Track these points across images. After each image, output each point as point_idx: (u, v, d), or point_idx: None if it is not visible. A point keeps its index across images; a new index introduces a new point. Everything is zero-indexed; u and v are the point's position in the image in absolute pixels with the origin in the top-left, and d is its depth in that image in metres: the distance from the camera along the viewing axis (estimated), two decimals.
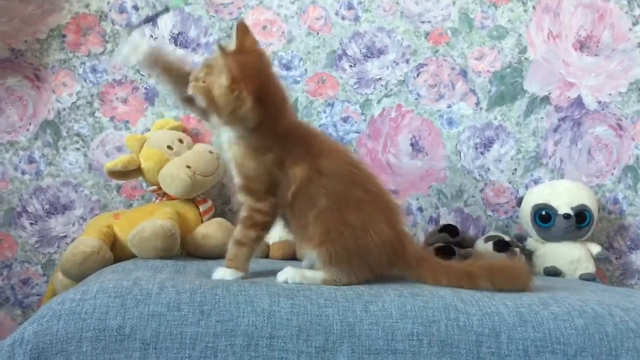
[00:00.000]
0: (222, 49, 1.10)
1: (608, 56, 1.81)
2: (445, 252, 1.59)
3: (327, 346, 0.97)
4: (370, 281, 1.15)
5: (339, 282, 1.13)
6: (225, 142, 1.18)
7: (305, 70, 1.76)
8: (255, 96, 1.11)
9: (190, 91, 1.16)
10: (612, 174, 1.81)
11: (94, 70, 1.72)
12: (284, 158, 1.15)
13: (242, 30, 1.17)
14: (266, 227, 1.18)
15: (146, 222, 1.37)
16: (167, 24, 1.73)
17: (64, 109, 1.71)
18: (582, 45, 1.81)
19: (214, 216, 1.60)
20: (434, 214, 1.79)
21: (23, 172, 1.70)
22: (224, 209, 1.74)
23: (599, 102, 1.81)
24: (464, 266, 1.22)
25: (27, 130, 1.71)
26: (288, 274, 1.13)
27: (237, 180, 1.18)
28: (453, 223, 1.74)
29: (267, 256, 1.57)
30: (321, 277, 1.13)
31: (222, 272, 1.14)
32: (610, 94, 1.81)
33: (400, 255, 1.18)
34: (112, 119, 1.72)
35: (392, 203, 1.23)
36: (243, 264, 1.16)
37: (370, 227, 1.15)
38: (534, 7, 1.79)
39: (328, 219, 1.13)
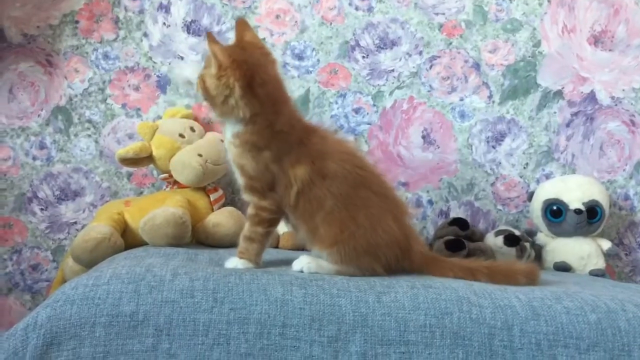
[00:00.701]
0: (210, 37, 1.10)
1: (622, 51, 1.80)
2: (454, 245, 1.59)
3: (340, 336, 0.97)
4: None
5: (353, 275, 1.13)
6: (226, 143, 1.19)
7: (318, 60, 1.75)
8: (244, 83, 1.10)
9: (195, 89, 1.17)
10: (624, 170, 1.80)
11: (106, 56, 1.71)
12: (282, 156, 1.14)
13: (241, 25, 1.19)
14: (273, 223, 1.19)
15: (157, 210, 1.37)
16: (180, 11, 1.72)
17: (76, 95, 1.71)
18: (596, 40, 1.79)
19: (224, 205, 1.60)
20: (444, 207, 1.79)
21: (34, 158, 1.70)
22: (234, 198, 1.74)
23: (612, 98, 1.80)
24: (468, 263, 1.22)
25: (39, 116, 1.71)
26: (303, 262, 1.13)
27: (239, 180, 1.19)
28: (463, 216, 1.74)
29: (277, 246, 1.57)
30: (336, 268, 1.13)
31: (235, 262, 1.15)
32: (623, 90, 1.80)
33: (407, 253, 1.19)
34: (123, 106, 1.72)
35: (398, 201, 1.23)
36: (255, 258, 1.17)
37: (378, 226, 1.15)
38: (549, 1, 1.78)
39: (337, 220, 1.13)
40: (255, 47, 1.17)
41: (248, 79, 1.11)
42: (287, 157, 1.14)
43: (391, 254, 1.17)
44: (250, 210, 1.18)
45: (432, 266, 1.21)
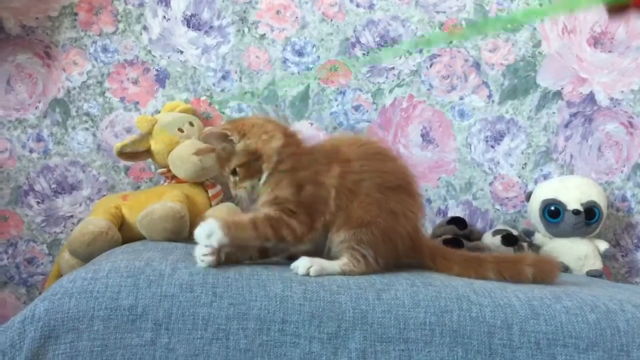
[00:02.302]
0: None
1: (622, 53, 1.80)
2: (452, 244, 1.58)
3: (339, 333, 0.97)
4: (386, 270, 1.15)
5: (357, 271, 1.11)
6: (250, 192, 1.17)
7: (318, 57, 1.74)
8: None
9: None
10: (622, 171, 1.81)
11: (105, 49, 1.70)
12: (316, 171, 1.13)
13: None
14: (284, 240, 1.10)
15: (156, 204, 1.36)
16: (180, 5, 1.71)
17: (74, 88, 1.70)
18: (596, 41, 1.79)
19: (222, 201, 1.59)
20: (443, 205, 1.79)
21: (31, 151, 1.69)
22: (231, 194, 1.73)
23: (611, 99, 1.80)
24: (475, 255, 1.23)
25: (36, 108, 1.69)
26: (306, 265, 1.08)
27: (264, 197, 1.14)
28: (461, 215, 1.74)
29: None
30: (339, 267, 1.10)
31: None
32: (622, 91, 1.80)
33: (418, 246, 1.20)
34: (122, 99, 1.71)
35: (416, 192, 1.23)
36: (233, 237, 1.07)
37: (404, 215, 1.15)
38: (549, 1, 1.78)
39: (369, 202, 1.12)
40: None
41: None
42: (318, 173, 1.13)
43: (407, 245, 1.17)
44: (273, 212, 1.11)
45: (439, 259, 1.21)
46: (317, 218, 1.12)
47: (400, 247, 1.15)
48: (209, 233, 1.04)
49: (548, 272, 1.21)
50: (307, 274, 1.07)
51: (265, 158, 1.14)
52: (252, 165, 1.14)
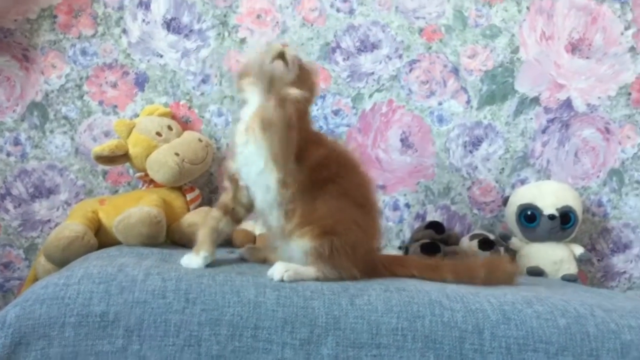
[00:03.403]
0: None
1: (599, 59, 1.82)
2: (430, 248, 1.60)
3: (312, 338, 0.97)
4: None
5: (331, 277, 1.12)
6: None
7: None
8: None
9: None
10: (598, 176, 1.83)
11: (84, 52, 1.69)
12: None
13: None
14: None
15: (132, 209, 1.36)
16: (160, 8, 1.71)
17: (52, 91, 1.69)
18: (573, 48, 1.82)
19: (200, 205, 1.59)
20: (421, 210, 1.80)
21: (8, 154, 1.68)
22: (211, 197, 1.73)
23: (588, 105, 1.82)
24: (433, 261, 1.27)
25: (14, 111, 1.68)
26: (281, 270, 1.08)
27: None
28: (439, 220, 1.75)
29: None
30: (314, 273, 1.11)
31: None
32: (599, 97, 1.82)
33: (377, 262, 1.22)
34: (100, 103, 1.70)
35: (377, 214, 1.25)
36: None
37: (368, 230, 1.17)
38: (527, 8, 1.80)
39: (336, 210, 1.13)
40: None
41: None
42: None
43: (368, 261, 1.18)
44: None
45: (397, 267, 1.23)
46: None
47: (365, 263, 1.16)
48: None
49: (501, 274, 1.24)
50: (282, 280, 1.07)
51: None
52: None
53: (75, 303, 0.95)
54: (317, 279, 1.10)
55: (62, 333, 0.93)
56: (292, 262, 1.13)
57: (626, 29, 1.82)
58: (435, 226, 1.67)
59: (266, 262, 1.22)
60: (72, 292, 0.96)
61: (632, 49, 1.82)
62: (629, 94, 1.82)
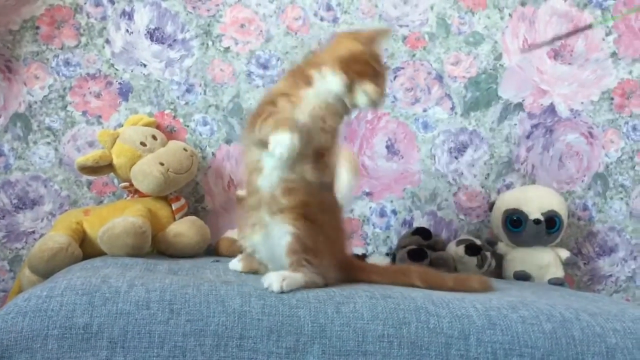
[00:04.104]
0: None
1: (581, 65, 1.84)
2: (417, 255, 1.60)
3: (298, 347, 0.97)
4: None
5: (318, 283, 1.11)
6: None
7: (283, 70, 1.75)
8: None
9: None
10: (582, 181, 1.84)
11: (67, 63, 1.69)
12: None
13: None
14: None
15: (117, 219, 1.35)
16: (143, 18, 1.71)
17: (35, 102, 1.68)
18: (556, 54, 1.83)
19: (186, 214, 1.58)
20: (408, 216, 1.80)
21: None
22: (197, 207, 1.72)
23: (571, 110, 1.84)
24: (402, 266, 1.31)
25: None
26: (278, 280, 1.05)
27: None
28: (426, 226, 1.76)
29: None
30: (302, 279, 1.09)
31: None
32: (582, 103, 1.84)
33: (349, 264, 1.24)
34: (84, 113, 1.69)
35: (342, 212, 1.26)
36: None
37: (339, 232, 1.20)
38: (510, 15, 1.81)
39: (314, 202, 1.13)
40: None
41: None
42: None
43: (342, 262, 1.19)
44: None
45: (359, 273, 1.23)
46: None
47: (337, 260, 1.17)
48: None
49: (468, 283, 1.25)
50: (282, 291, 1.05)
51: None
52: None
53: (58, 315, 0.94)
54: (305, 286, 1.09)
55: (45, 346, 0.92)
56: (270, 251, 1.14)
57: (607, 34, 1.84)
58: (421, 232, 1.68)
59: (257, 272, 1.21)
60: (55, 304, 0.95)
61: (613, 54, 1.84)
62: (612, 98, 1.84)
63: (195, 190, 1.73)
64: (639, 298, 1.86)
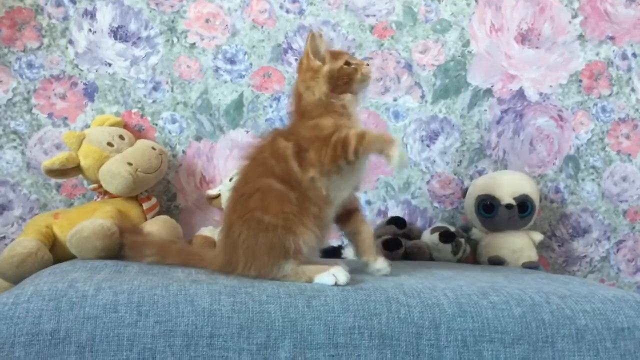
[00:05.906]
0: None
1: (549, 49, 1.85)
2: (392, 244, 1.60)
3: (269, 343, 0.96)
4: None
5: None
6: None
7: (251, 64, 1.74)
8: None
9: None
10: (554, 163, 1.86)
11: (30, 65, 1.66)
12: None
13: None
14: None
15: (85, 222, 1.33)
16: (105, 17, 1.68)
17: (0, 106, 1.65)
18: (523, 38, 1.84)
19: (159, 213, 1.57)
20: (382, 206, 1.80)
21: None
22: (170, 205, 1.71)
23: (540, 94, 1.85)
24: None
25: None
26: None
27: None
28: (401, 215, 1.76)
29: None
30: None
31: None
32: (551, 86, 1.85)
33: None
34: (50, 115, 1.67)
35: None
36: None
37: None
38: (476, 1, 1.82)
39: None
40: None
41: None
42: None
43: None
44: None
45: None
46: None
47: None
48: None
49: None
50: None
51: None
52: None
53: (25, 322, 0.93)
54: None
55: (12, 353, 0.90)
56: None
57: (573, 17, 1.85)
58: (396, 221, 1.69)
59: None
60: (21, 310, 0.94)
61: (580, 36, 1.86)
62: (580, 81, 1.86)
63: (167, 188, 1.71)
64: (613, 278, 1.88)
